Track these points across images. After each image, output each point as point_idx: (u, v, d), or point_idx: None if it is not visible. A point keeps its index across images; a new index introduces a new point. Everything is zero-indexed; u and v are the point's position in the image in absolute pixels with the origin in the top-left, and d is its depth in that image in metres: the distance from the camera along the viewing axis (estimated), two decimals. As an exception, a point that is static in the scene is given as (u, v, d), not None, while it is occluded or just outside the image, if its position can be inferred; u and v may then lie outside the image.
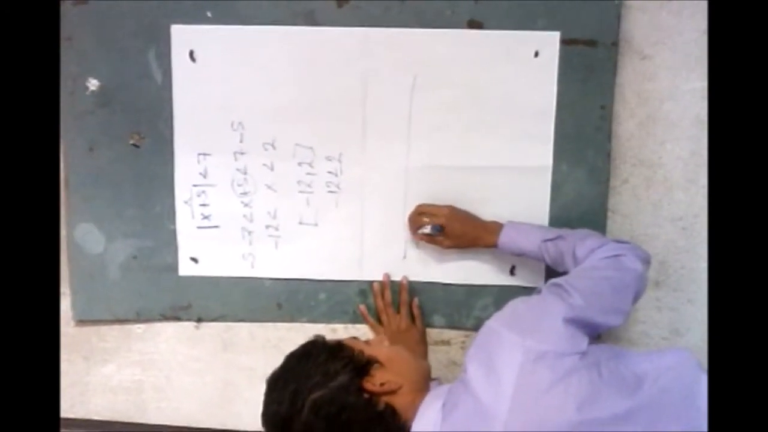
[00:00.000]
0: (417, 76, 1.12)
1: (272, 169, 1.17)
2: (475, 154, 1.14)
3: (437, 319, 1.21)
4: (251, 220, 1.20)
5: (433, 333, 1.22)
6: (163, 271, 1.21)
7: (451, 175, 1.15)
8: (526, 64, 1.11)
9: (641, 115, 1.13)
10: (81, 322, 1.25)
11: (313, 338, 0.95)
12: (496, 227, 1.10)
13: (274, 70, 1.14)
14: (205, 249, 1.21)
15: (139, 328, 1.26)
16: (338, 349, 0.92)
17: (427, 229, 1.11)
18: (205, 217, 1.20)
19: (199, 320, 1.24)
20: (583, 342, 0.84)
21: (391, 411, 0.87)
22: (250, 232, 1.20)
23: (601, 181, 1.14)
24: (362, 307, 1.21)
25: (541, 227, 1.10)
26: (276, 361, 0.93)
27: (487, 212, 1.14)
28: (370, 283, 1.20)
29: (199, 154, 1.18)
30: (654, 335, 1.21)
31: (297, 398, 0.86)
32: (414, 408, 0.88)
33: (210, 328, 1.25)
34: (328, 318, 1.22)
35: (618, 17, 1.09)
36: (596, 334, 0.89)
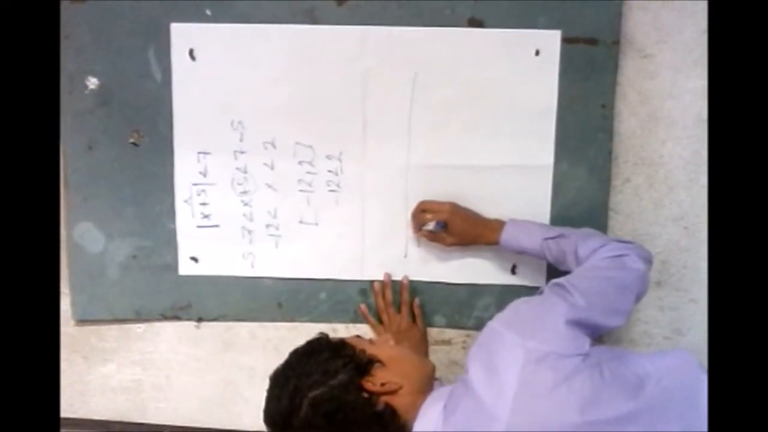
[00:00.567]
0: (417, 74, 1.12)
1: (272, 168, 1.17)
2: (475, 153, 1.14)
3: (438, 318, 1.21)
4: (251, 219, 1.19)
5: (434, 332, 1.21)
6: (163, 271, 1.21)
7: (452, 173, 1.15)
8: (526, 62, 1.10)
9: (642, 114, 1.13)
10: (81, 321, 1.25)
11: (317, 336, 0.96)
12: (497, 225, 1.10)
13: (274, 69, 1.13)
14: (205, 248, 1.20)
15: (139, 328, 1.25)
16: (340, 347, 0.92)
17: (431, 226, 1.11)
18: (205, 216, 1.20)
19: (200, 320, 1.24)
20: (585, 343, 0.84)
21: (391, 411, 0.87)
22: (250, 232, 1.20)
23: (602, 180, 1.14)
24: (363, 306, 1.20)
25: (543, 225, 1.09)
26: (276, 360, 0.93)
27: (488, 211, 1.14)
28: (371, 282, 1.20)
29: (199, 153, 1.17)
30: (656, 335, 1.20)
31: (297, 395, 0.86)
32: (415, 409, 0.88)
33: (210, 327, 1.24)
34: (328, 317, 1.22)
35: (619, 16, 1.08)
36: (597, 336, 0.89)
